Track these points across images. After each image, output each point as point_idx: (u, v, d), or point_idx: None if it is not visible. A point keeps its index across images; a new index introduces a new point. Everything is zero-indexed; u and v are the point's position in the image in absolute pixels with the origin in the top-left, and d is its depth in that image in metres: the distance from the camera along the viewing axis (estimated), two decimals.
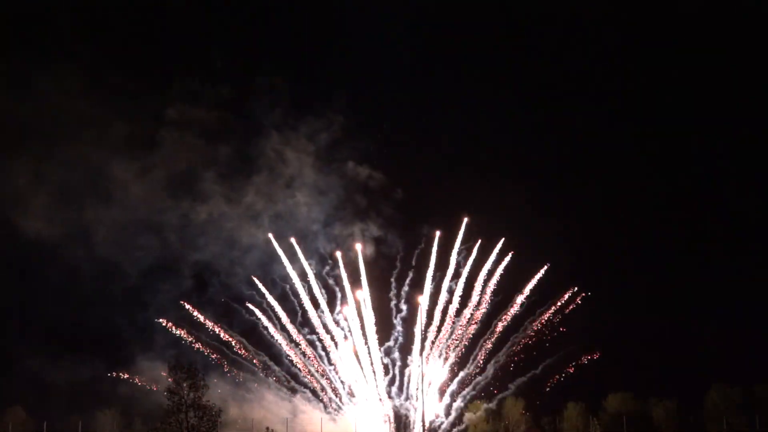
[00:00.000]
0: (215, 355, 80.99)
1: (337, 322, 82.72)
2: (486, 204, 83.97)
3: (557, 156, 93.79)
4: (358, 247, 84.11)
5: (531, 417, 79.55)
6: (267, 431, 75.39)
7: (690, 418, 76.29)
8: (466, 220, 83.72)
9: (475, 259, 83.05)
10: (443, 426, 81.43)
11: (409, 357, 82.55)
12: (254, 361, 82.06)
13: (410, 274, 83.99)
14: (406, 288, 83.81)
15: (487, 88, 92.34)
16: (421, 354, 79.43)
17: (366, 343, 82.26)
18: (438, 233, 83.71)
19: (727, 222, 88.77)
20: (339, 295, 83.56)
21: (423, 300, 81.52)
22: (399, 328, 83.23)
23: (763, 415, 72.72)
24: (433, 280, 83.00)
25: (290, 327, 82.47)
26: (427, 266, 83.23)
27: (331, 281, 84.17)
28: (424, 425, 70.54)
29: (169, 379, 55.97)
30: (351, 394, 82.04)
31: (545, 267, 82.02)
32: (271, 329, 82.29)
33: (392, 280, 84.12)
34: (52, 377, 76.17)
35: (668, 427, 76.08)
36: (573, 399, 78.54)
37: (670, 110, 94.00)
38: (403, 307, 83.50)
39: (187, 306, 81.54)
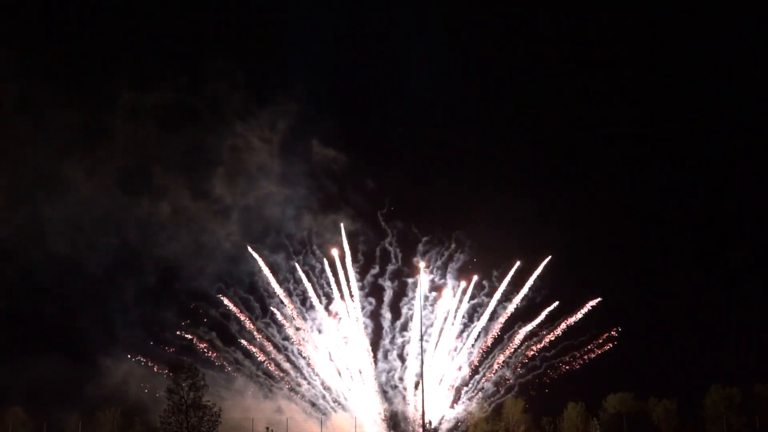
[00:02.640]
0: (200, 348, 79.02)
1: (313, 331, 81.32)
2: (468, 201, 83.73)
3: (548, 151, 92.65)
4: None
5: (531, 417, 79.39)
6: (267, 431, 75.23)
7: (690, 418, 76.29)
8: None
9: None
10: (440, 427, 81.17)
11: (377, 353, 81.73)
12: (224, 362, 79.72)
13: (376, 268, 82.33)
14: (370, 279, 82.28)
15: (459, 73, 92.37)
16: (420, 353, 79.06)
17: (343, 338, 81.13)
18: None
19: (726, 222, 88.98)
20: (311, 289, 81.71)
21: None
22: (367, 321, 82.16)
23: (763, 415, 72.74)
24: (396, 277, 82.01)
25: (260, 324, 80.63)
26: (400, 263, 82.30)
27: (300, 274, 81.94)
28: (423, 425, 70.36)
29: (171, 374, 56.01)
30: (327, 389, 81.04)
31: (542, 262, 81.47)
32: (245, 326, 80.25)
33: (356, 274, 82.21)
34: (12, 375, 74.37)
35: (668, 427, 76.04)
36: (573, 399, 78.54)
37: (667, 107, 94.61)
38: (372, 300, 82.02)
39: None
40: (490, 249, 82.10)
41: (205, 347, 79.41)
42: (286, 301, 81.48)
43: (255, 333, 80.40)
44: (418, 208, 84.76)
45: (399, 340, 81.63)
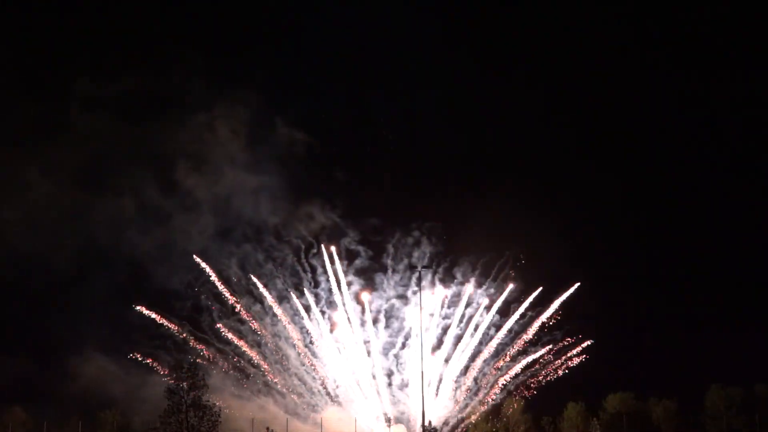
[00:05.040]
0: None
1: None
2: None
3: (535, 148, 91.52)
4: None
5: (531, 417, 79.42)
6: (267, 431, 75.21)
7: (690, 418, 76.39)
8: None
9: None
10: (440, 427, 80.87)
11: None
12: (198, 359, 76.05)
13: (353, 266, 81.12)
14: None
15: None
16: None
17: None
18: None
19: (726, 221, 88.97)
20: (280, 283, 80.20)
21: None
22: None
23: (763, 415, 72.86)
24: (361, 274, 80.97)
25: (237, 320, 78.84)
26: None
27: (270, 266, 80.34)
28: (423, 425, 70.30)
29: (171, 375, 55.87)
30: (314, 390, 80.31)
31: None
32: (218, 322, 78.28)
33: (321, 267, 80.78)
34: None
35: (668, 427, 76.19)
36: (573, 399, 78.54)
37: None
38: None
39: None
40: (473, 242, 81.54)
41: (182, 338, 77.35)
42: (249, 296, 79.82)
43: (228, 330, 78.74)
44: (388, 201, 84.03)
45: (366, 336, 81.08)
